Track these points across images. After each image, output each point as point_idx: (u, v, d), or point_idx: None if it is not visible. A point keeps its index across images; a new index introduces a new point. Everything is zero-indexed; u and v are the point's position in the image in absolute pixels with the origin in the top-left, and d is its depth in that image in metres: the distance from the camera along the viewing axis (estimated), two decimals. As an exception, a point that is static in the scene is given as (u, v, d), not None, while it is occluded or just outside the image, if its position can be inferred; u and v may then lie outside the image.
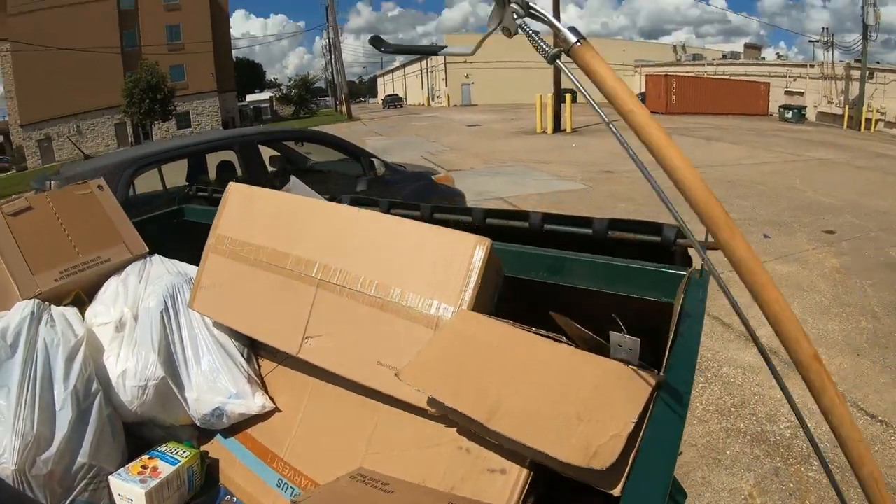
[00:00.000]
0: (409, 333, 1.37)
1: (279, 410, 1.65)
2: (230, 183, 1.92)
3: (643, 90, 43.78)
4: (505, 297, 1.48)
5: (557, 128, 24.11)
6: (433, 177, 6.73)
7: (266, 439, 1.62)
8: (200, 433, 1.75)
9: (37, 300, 1.77)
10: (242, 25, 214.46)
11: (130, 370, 1.65)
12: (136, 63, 53.59)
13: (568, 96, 23.99)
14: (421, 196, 6.22)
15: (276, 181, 6.27)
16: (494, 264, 1.40)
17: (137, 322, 1.75)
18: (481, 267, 1.35)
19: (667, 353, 1.12)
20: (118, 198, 4.74)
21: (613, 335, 1.10)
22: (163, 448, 1.64)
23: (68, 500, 1.50)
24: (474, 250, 1.36)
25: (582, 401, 1.01)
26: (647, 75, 48.74)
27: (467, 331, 1.26)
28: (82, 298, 1.99)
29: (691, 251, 1.59)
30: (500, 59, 60.77)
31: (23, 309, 1.69)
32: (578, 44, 0.86)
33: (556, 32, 0.84)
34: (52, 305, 1.79)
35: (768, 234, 8.03)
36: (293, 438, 1.57)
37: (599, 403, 1.00)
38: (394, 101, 78.87)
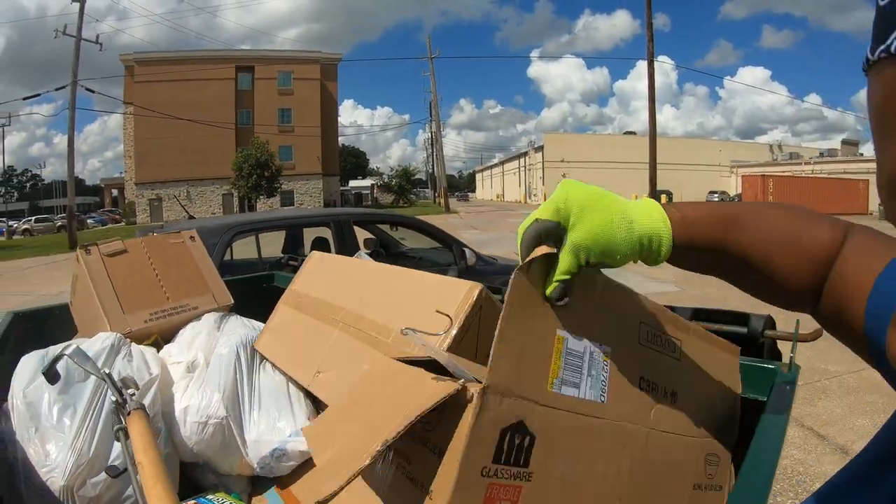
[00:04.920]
0: None
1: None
2: (313, 251, 2.07)
3: (739, 191, 42.95)
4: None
5: None
6: (524, 273, 6.67)
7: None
8: (253, 489, 1.73)
9: (119, 334, 1.82)
10: (350, 114, 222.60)
11: (193, 406, 1.68)
12: (247, 140, 56.29)
13: (664, 197, 23.68)
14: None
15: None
16: (492, 309, 1.40)
17: (209, 366, 1.78)
18: (468, 308, 1.37)
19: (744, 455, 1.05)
20: (215, 259, 4.90)
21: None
22: (210, 496, 1.61)
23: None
24: (466, 294, 1.40)
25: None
26: (743, 176, 47.86)
27: None
28: (159, 343, 2.03)
29: (780, 344, 1.54)
30: (598, 158, 61.25)
31: (104, 339, 1.75)
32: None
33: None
34: (133, 342, 1.84)
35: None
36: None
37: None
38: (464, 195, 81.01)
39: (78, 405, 1.54)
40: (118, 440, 1.23)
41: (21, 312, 2.48)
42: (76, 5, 35.11)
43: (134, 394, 1.39)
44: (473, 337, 1.37)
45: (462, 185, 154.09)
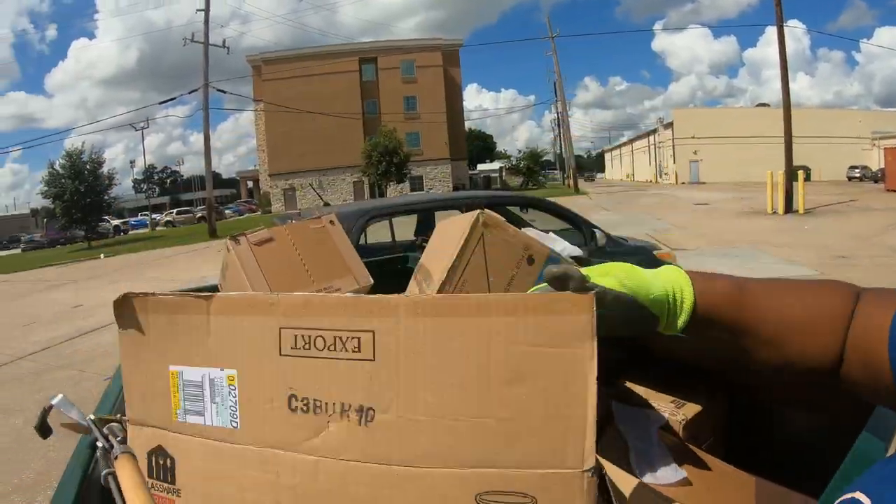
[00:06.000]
0: None
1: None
2: (438, 224, 2.03)
3: (882, 166, 38.83)
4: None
5: (789, 208, 22.43)
6: (655, 252, 6.58)
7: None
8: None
9: None
10: (475, 98, 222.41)
11: None
12: (375, 129, 57.65)
13: (800, 174, 22.45)
14: (643, 271, 6.12)
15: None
16: (501, 241, 1.37)
17: None
18: (461, 240, 1.35)
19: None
20: (352, 243, 5.04)
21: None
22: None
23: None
24: (466, 224, 1.36)
25: None
26: (886, 148, 42.31)
27: None
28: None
29: None
30: (730, 134, 58.80)
31: None
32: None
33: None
34: None
35: None
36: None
37: None
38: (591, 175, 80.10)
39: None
40: (106, 485, 1.29)
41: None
42: (202, 14, 37.16)
43: (122, 439, 1.46)
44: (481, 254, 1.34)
45: (590, 166, 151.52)
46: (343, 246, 2.45)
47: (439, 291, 1.29)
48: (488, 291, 1.30)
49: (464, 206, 5.90)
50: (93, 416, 1.48)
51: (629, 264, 0.87)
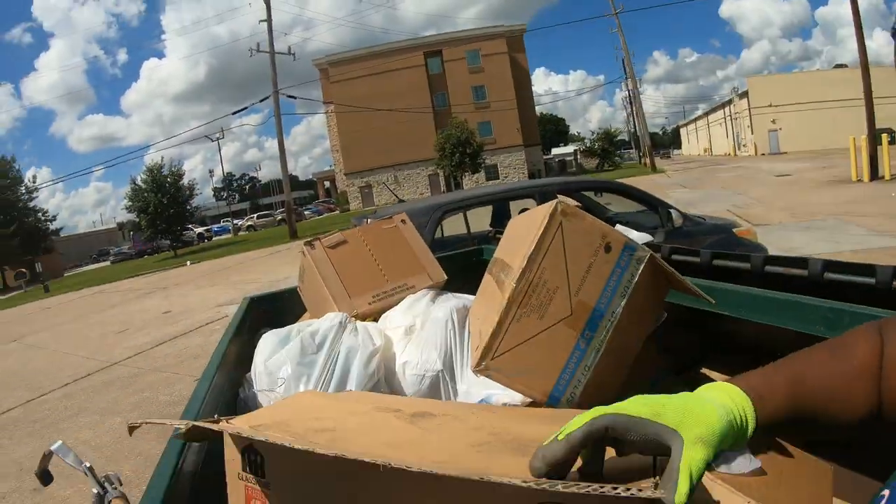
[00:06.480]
0: None
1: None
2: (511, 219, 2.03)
3: None
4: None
5: (875, 174, 21.21)
6: (734, 230, 6.44)
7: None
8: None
9: (345, 314, 2.02)
10: (544, 82, 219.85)
11: (412, 362, 1.89)
12: (446, 121, 57.72)
13: (884, 136, 21.38)
14: (722, 248, 6.02)
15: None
16: (579, 229, 1.36)
17: (424, 329, 1.96)
18: (539, 229, 1.46)
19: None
20: (427, 238, 5.09)
21: None
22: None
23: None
24: (544, 213, 1.37)
25: None
26: None
27: None
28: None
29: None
30: (808, 99, 56.92)
31: (332, 318, 1.96)
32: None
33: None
34: (357, 320, 2.04)
35: None
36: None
37: None
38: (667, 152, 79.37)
39: (311, 374, 1.78)
40: None
41: (256, 297, 2.84)
42: (265, 24, 38.20)
43: (116, 486, 1.54)
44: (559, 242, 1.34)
45: (667, 142, 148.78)
46: (416, 244, 2.49)
47: (519, 280, 1.31)
48: (567, 279, 1.32)
49: (537, 195, 5.89)
50: (88, 464, 1.57)
51: (698, 403, 0.74)
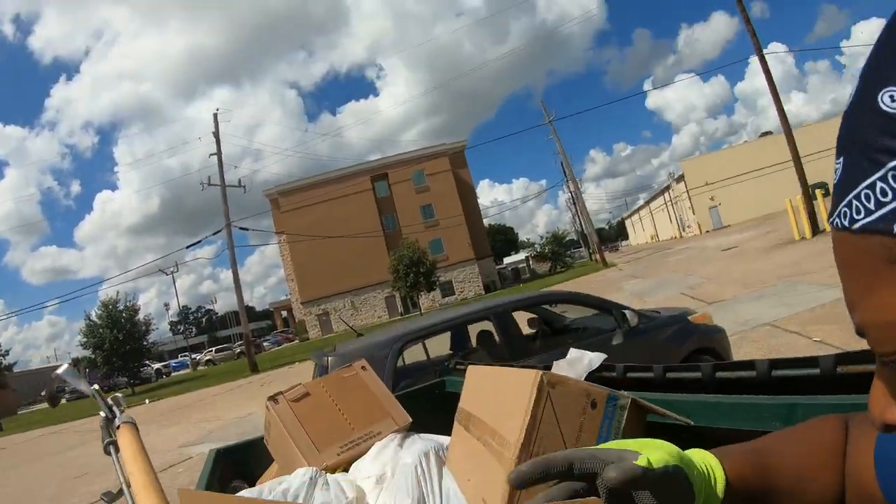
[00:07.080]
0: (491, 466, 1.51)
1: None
2: (469, 367, 2.14)
3: None
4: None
5: (816, 229, 22.17)
6: (689, 317, 6.55)
7: None
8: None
9: (315, 468, 2.05)
10: (489, 194, 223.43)
11: None
12: (397, 242, 58.38)
13: (819, 192, 22.17)
14: (680, 340, 6.21)
15: (533, 344, 6.62)
16: (565, 395, 1.43)
17: (395, 476, 1.97)
18: (529, 402, 1.41)
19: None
20: (388, 370, 5.16)
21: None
22: None
23: None
24: (529, 385, 1.43)
25: None
26: None
27: None
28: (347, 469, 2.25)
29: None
30: (741, 171, 58.65)
31: (303, 474, 1.98)
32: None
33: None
34: (328, 473, 2.07)
35: None
36: None
37: None
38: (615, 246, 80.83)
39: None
40: (108, 454, 1.32)
41: (222, 449, 2.86)
42: (216, 157, 38.72)
43: (123, 409, 1.49)
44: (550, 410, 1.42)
45: (613, 236, 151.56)
46: (377, 389, 2.56)
47: (521, 453, 1.38)
48: (563, 442, 1.39)
49: (492, 316, 6.01)
50: (96, 387, 1.54)
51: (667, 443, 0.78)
